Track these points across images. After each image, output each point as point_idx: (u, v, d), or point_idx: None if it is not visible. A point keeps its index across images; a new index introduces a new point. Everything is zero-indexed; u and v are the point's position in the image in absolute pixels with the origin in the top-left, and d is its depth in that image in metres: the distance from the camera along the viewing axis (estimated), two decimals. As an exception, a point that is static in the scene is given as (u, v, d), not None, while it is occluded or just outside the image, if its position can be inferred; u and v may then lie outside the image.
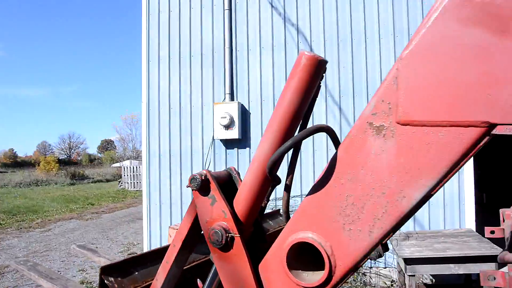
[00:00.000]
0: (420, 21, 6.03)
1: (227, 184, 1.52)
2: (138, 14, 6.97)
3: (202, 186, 1.34)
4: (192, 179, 1.35)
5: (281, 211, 2.23)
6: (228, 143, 6.69)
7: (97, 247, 7.55)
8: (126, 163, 34.26)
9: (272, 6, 6.53)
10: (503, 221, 2.07)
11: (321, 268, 1.29)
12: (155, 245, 6.89)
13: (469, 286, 4.84)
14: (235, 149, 6.69)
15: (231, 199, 1.39)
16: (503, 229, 2.00)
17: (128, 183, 28.58)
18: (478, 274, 4.76)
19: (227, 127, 6.49)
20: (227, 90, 6.63)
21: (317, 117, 6.44)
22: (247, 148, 6.67)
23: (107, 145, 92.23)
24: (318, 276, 1.25)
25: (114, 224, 13.24)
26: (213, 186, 1.36)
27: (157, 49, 6.89)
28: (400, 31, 6.17)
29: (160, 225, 6.86)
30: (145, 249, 6.95)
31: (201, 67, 6.75)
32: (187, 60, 6.80)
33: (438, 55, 1.05)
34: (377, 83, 6.24)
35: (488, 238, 4.61)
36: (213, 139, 6.67)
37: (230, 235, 1.31)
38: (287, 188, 1.40)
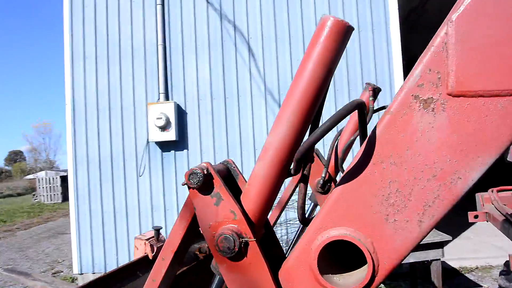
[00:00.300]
0: (355, 20, 6.18)
1: (226, 180, 1.28)
2: (54, 9, 6.32)
3: (204, 182, 1.09)
4: (192, 174, 1.09)
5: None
6: (164, 146, 6.31)
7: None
8: (41, 174, 31.49)
9: (207, 1, 6.28)
10: (483, 205, 2.06)
11: (349, 268, 1.12)
12: (86, 261, 6.28)
13: (413, 274, 5.01)
14: (172, 151, 6.33)
15: (236, 196, 1.16)
16: (486, 212, 1.98)
17: (44, 195, 26.28)
18: (421, 262, 4.95)
19: (163, 128, 6.11)
20: (162, 90, 6.25)
21: (256, 115, 6.32)
22: (185, 150, 6.35)
23: (15, 157, 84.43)
24: (354, 278, 1.07)
25: (32, 241, 11.99)
26: (218, 181, 1.11)
27: (82, 46, 6.30)
28: (335, 29, 6.25)
29: (91, 238, 6.26)
30: (75, 267, 6.30)
31: (132, 65, 6.30)
32: (116, 58, 6.30)
33: (495, 15, 0.92)
34: (315, 81, 6.26)
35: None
36: (148, 142, 6.25)
37: (243, 240, 1.07)
38: (305, 179, 1.20)
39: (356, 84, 6.25)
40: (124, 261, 6.16)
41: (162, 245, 1.88)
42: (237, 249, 1.06)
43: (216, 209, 1.12)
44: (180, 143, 6.32)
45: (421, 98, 0.98)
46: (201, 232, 1.13)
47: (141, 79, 6.28)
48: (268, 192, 1.12)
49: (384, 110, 1.05)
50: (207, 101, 6.38)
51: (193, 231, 1.24)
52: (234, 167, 1.35)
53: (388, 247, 1.01)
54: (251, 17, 6.37)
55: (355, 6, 6.17)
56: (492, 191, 2.07)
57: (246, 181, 1.47)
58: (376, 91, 2.41)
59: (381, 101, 6.18)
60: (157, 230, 1.78)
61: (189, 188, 1.13)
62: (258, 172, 1.13)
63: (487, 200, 2.06)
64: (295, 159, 1.05)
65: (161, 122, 6.02)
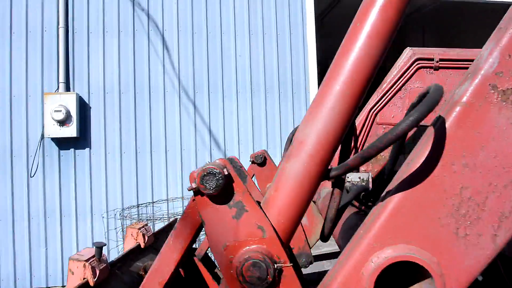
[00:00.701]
0: (274, 22, 6.14)
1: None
2: None
3: (224, 187, 0.80)
4: (207, 175, 0.78)
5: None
6: (63, 143, 5.54)
7: None
8: None
9: (119, -16, 5.70)
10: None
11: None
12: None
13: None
14: (72, 149, 5.60)
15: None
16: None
17: None
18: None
19: (62, 122, 5.37)
20: (62, 79, 5.49)
21: (169, 113, 5.91)
22: (87, 149, 5.66)
23: None
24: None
25: None
26: (240, 186, 0.82)
27: (-41, 20, 5.23)
28: (255, 30, 6.16)
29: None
30: None
31: (26, 48, 5.42)
32: (6, 38, 5.36)
33: None
34: (233, 81, 6.09)
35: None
36: (43, 138, 5.43)
37: (278, 266, 0.80)
38: (340, 184, 0.97)
39: (273, 87, 6.21)
40: (7, 276, 5.24)
41: (105, 266, 1.50)
42: (271, 279, 0.79)
43: (236, 224, 0.82)
44: (81, 140, 5.62)
45: (499, 89, 0.82)
46: (215, 255, 0.84)
47: (37, 65, 5.43)
48: (303, 198, 0.87)
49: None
50: (115, 95, 5.77)
51: (189, 255, 0.93)
52: (240, 167, 1.06)
53: (457, 267, 0.84)
54: (167, 8, 5.94)
55: (274, 7, 6.14)
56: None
57: (256, 186, 1.19)
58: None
59: (295, 104, 6.24)
60: (99, 248, 1.39)
61: (197, 194, 0.83)
62: (291, 173, 0.86)
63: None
64: (367, 155, 0.80)
65: (60, 116, 5.27)
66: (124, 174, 5.70)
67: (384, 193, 0.90)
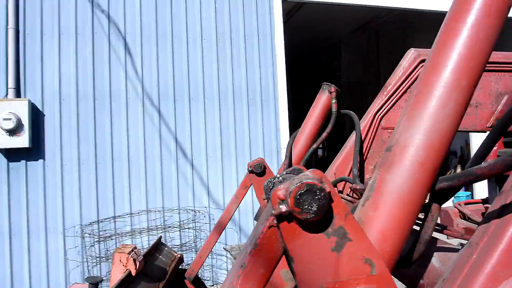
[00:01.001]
0: (242, 26, 5.98)
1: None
2: None
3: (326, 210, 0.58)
4: (305, 193, 0.56)
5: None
6: (13, 154, 5.02)
7: None
8: None
9: (76, -17, 5.30)
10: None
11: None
12: None
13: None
14: (23, 161, 5.09)
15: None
16: (464, 228, 1.84)
17: None
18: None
19: (12, 132, 4.87)
20: (11, 84, 4.99)
21: (132, 122, 5.55)
22: (40, 160, 5.17)
23: None
24: None
25: None
26: (341, 207, 0.61)
27: None
28: (222, 35, 5.96)
29: None
30: None
31: (-31, 50, 4.88)
32: None
33: None
34: (200, 87, 5.84)
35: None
36: (-11, 149, 4.89)
37: (396, 311, 0.60)
38: (442, 198, 0.78)
39: (241, 93, 6.02)
40: None
41: (103, 304, 1.22)
42: (389, 331, 0.59)
43: (336, 258, 0.61)
44: (34, 151, 5.12)
45: None
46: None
47: (-17, 68, 4.91)
48: (411, 218, 0.66)
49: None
50: (72, 102, 5.33)
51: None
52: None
53: None
54: (129, 10, 5.60)
55: (242, 11, 5.98)
56: (460, 205, 1.97)
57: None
58: (337, 93, 2.12)
59: (265, 110, 6.08)
60: (95, 284, 1.11)
61: (283, 219, 0.60)
62: (395, 186, 0.66)
63: (455, 215, 1.95)
64: (510, 162, 0.61)
65: (10, 124, 4.77)
66: (83, 187, 5.26)
67: (497, 209, 0.72)
